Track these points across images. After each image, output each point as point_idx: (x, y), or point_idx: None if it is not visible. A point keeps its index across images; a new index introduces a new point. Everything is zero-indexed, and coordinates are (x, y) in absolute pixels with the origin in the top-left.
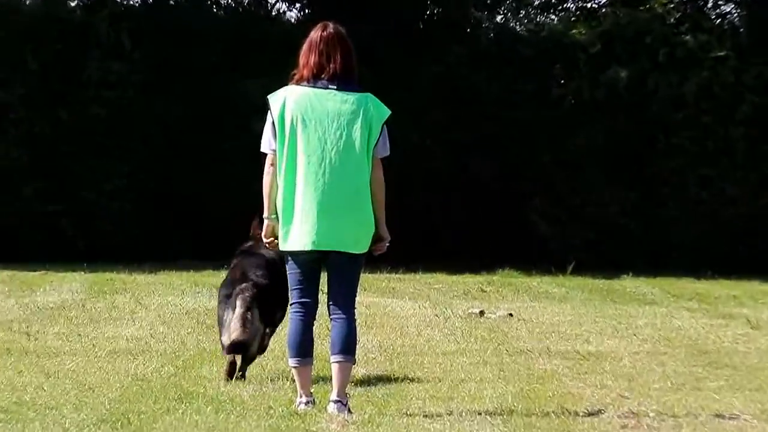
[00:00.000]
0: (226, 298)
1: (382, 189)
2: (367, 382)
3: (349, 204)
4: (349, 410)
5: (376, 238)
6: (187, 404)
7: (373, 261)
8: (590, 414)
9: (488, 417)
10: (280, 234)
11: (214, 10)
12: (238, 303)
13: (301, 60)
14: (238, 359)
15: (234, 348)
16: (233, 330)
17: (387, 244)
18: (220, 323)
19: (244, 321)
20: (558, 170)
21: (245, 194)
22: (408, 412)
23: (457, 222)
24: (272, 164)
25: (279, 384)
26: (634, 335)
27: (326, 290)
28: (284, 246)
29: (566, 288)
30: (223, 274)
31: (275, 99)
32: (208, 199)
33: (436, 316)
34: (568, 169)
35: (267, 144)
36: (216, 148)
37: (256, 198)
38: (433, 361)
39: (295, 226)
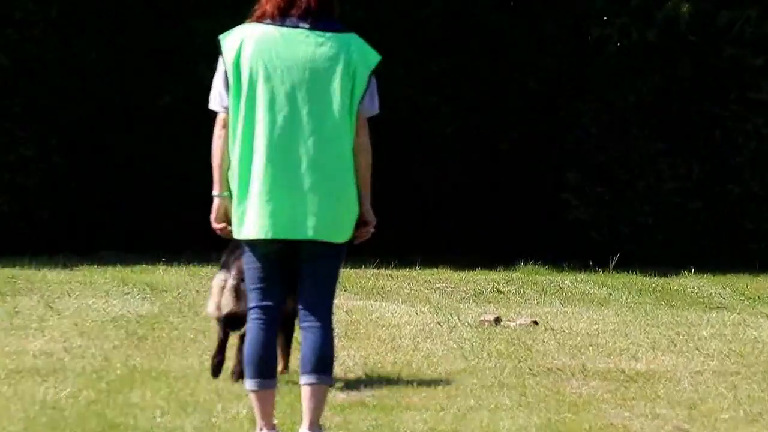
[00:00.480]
0: (224, 265)
1: (368, 158)
2: (348, 409)
3: (326, 178)
4: None
5: (359, 222)
6: None
7: (356, 252)
8: None
9: None
10: (234, 218)
11: None
12: (233, 273)
13: None
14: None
15: (228, 322)
16: (225, 303)
17: (372, 230)
18: (211, 290)
19: (237, 292)
20: (599, 135)
21: (191, 163)
22: None
23: (466, 202)
24: (224, 126)
25: (233, 412)
26: (697, 350)
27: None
28: (239, 233)
29: (608, 288)
30: (165, 271)
31: (229, 41)
32: (142, 172)
33: (439, 324)
34: (612, 133)
35: (217, 100)
36: (152, 106)
37: (206, 169)
38: (435, 384)
39: (253, 207)
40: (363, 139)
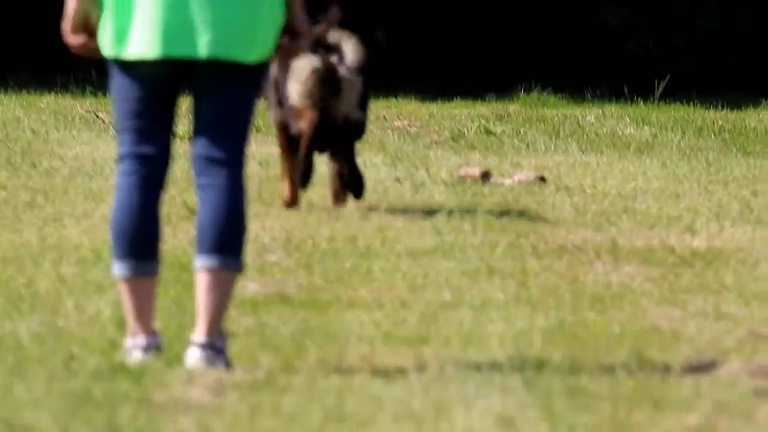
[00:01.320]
0: None
1: None
2: (263, 306)
3: None
4: (227, 362)
5: (286, 33)
6: None
7: None
8: (696, 370)
9: (493, 383)
10: (105, 29)
11: None
12: None
13: None
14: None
15: None
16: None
17: (305, 42)
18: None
19: None
20: None
21: None
22: (340, 366)
23: (441, 5)
24: None
25: (91, 311)
26: None
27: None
28: (111, 50)
29: (652, 127)
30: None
31: None
32: None
33: (398, 181)
34: None
35: None
36: None
37: None
38: (392, 270)
39: (127, 12)
40: None
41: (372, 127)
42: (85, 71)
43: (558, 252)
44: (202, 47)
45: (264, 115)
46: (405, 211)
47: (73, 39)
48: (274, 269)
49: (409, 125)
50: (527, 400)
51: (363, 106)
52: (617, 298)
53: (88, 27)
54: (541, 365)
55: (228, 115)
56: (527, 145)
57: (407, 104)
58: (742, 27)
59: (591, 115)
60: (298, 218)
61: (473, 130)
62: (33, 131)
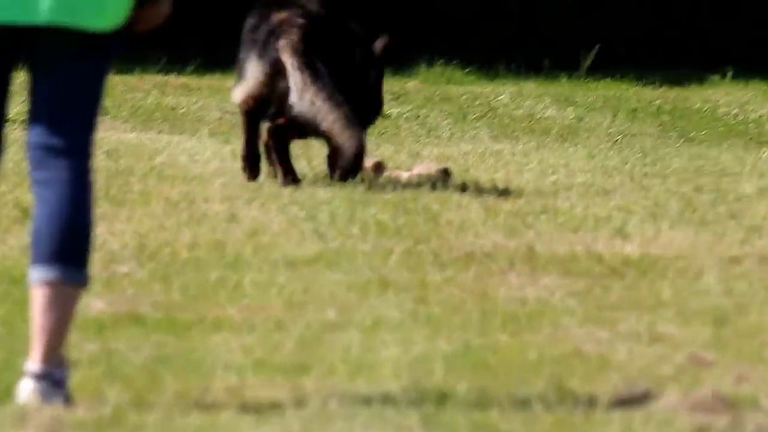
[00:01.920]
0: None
1: None
2: (111, 328)
3: None
4: (67, 396)
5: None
6: None
7: (137, 48)
8: (627, 403)
9: (386, 419)
10: None
11: None
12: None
13: None
14: None
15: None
16: None
17: (167, 11)
18: None
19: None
20: None
21: None
22: (203, 401)
23: None
24: None
25: None
26: (733, 218)
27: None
28: None
29: (577, 107)
30: None
31: None
32: None
33: (274, 174)
34: None
35: None
36: None
37: None
38: (266, 284)
39: None
40: None
41: None
42: None
43: (464, 261)
44: (41, 11)
45: (114, 95)
46: (282, 211)
47: None
48: (125, 283)
49: None
50: None
51: None
52: (534, 316)
53: None
54: (443, 398)
55: (72, 94)
56: (428, 131)
57: None
58: None
59: (505, 93)
60: (154, 221)
61: None
62: None
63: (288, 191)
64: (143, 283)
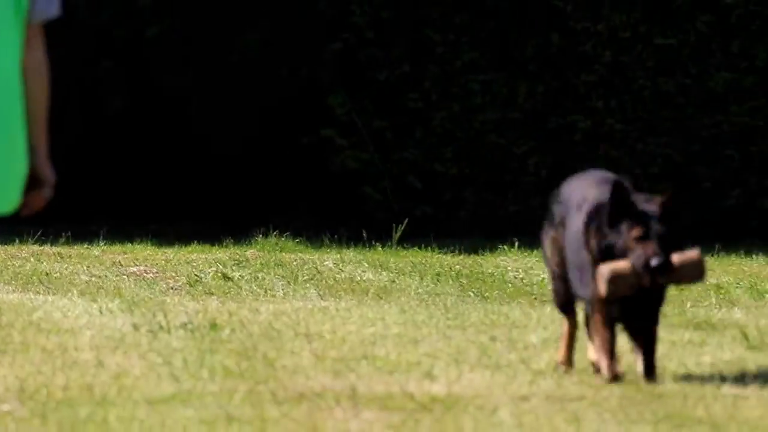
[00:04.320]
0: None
1: (44, 84)
2: None
3: None
4: None
5: (32, 181)
6: None
7: (15, 223)
8: None
9: None
10: None
11: None
12: None
13: None
14: None
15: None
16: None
17: (49, 194)
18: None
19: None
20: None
21: None
22: None
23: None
24: None
25: None
26: (523, 363)
27: None
28: None
29: (391, 272)
30: None
31: None
32: None
33: (135, 327)
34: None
35: None
36: None
37: None
38: (129, 419)
39: None
40: (36, 56)
41: (108, 273)
42: None
43: (297, 399)
44: None
45: None
46: (142, 357)
47: None
48: (8, 419)
49: (146, 270)
50: None
51: None
52: None
53: None
54: None
55: None
56: (265, 290)
57: (143, 249)
58: (484, 170)
59: (329, 260)
60: (32, 366)
61: (210, 275)
62: None
63: (146, 341)
64: (24, 420)
